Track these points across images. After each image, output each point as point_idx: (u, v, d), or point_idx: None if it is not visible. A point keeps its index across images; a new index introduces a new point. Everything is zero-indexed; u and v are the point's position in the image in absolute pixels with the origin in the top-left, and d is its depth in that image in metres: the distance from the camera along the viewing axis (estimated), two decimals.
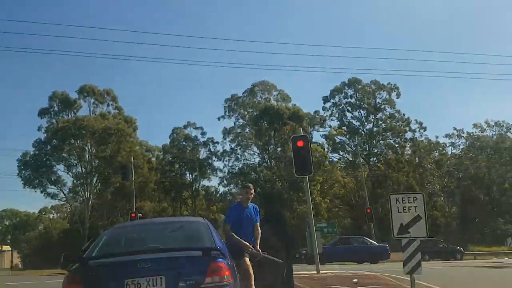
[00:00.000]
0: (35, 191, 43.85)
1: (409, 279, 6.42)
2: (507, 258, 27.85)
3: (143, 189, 44.63)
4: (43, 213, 57.40)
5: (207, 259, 4.48)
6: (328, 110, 52.28)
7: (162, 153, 51.79)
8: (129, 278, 4.28)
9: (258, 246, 6.23)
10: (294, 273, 8.33)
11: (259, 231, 6.47)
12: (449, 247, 30.57)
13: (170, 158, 50.22)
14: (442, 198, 51.31)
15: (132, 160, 36.98)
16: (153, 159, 50.75)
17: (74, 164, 43.96)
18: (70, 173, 44.26)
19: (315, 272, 13.41)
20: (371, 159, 51.55)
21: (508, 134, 51.69)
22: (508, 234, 39.80)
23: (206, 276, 4.38)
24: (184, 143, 50.81)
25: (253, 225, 6.47)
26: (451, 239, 38.37)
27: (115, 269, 4.45)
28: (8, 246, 61.72)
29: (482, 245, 40.14)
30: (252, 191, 6.53)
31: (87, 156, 43.87)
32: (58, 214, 57.42)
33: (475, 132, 51.67)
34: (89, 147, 43.88)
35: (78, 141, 43.15)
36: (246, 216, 6.42)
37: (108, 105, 47.21)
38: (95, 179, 44.11)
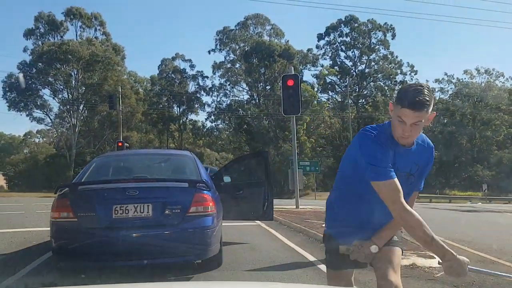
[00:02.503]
0: (21, 115, 43.63)
1: None
2: (480, 203, 29.09)
3: (130, 119, 44.58)
4: (29, 137, 57.26)
5: (192, 190, 4.66)
6: (321, 49, 51.67)
7: (150, 84, 51.18)
8: (117, 204, 4.43)
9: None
10: (275, 207, 8.73)
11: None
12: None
13: (158, 90, 49.75)
14: None
15: (120, 90, 36.60)
16: (141, 90, 50.21)
17: (60, 90, 43.38)
18: (56, 99, 43.83)
19: (295, 207, 14.01)
20: (359, 101, 51.85)
21: (497, 82, 52.04)
22: (484, 181, 41.26)
23: (191, 206, 4.57)
24: (172, 75, 50.14)
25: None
26: (429, 182, 39.80)
27: (104, 195, 4.60)
28: None
29: (458, 189, 41.66)
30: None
31: (74, 82, 43.17)
32: (44, 139, 57.38)
33: (465, 78, 51.97)
34: (75, 73, 43.07)
35: (64, 66, 42.22)
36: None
37: (95, 30, 45.84)
38: (82, 106, 43.73)
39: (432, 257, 5.78)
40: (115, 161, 6.14)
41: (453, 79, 51.94)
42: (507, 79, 52.81)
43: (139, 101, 45.95)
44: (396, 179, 2.04)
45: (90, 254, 4.38)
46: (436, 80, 52.76)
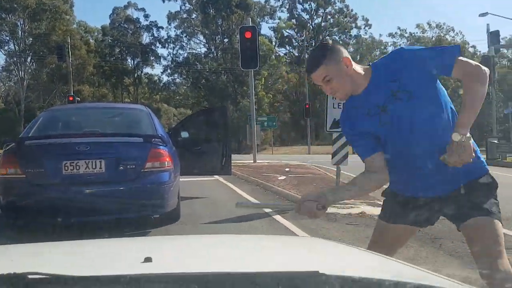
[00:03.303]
0: None
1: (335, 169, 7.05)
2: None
3: (81, 72, 42.66)
4: None
5: (148, 146, 4.55)
6: (279, 0, 50.71)
7: (101, 35, 48.79)
8: (67, 160, 4.29)
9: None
10: (233, 161, 8.82)
11: None
12: None
13: (110, 41, 47.60)
14: None
15: (69, 40, 34.69)
16: (92, 40, 47.84)
17: (6, 41, 40.65)
18: (2, 50, 41.13)
19: (253, 161, 14.21)
20: None
21: (447, 36, 53.38)
22: None
23: (146, 162, 4.48)
24: (125, 25, 47.95)
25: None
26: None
27: (52, 150, 4.44)
28: None
29: None
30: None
31: (20, 32, 40.49)
32: None
33: (417, 32, 53.00)
34: (21, 23, 40.32)
35: (10, 16, 39.37)
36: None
37: None
38: (29, 58, 41.32)
39: (380, 206, 6.11)
40: (65, 115, 5.90)
41: (406, 33, 52.86)
42: (456, 33, 54.29)
43: (90, 53, 43.89)
44: (371, 156, 1.96)
45: (40, 211, 4.27)
46: (390, 34, 53.66)
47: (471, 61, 1.88)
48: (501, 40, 22.24)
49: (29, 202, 4.29)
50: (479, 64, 1.86)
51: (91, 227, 4.50)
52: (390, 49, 53.57)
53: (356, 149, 2.05)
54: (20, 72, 40.78)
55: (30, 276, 0.74)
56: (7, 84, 45.05)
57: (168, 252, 1.26)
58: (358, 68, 1.97)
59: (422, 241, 4.47)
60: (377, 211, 5.93)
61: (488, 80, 1.83)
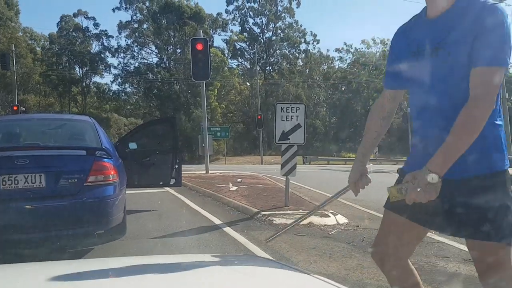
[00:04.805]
0: None
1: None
2: (371, 164, 31.45)
3: (27, 81, 40.93)
4: None
5: (91, 158, 4.38)
6: (230, 14, 51.22)
7: (48, 43, 47.06)
8: (5, 174, 4.08)
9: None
10: (185, 172, 8.73)
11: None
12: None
13: (58, 49, 45.99)
14: (325, 109, 55.20)
15: (14, 48, 33.21)
16: (38, 48, 46.05)
17: None
18: None
19: (205, 172, 14.12)
20: (267, 68, 52.82)
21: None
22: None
23: (89, 175, 4.30)
24: (74, 33, 46.56)
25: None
26: (327, 146, 42.38)
27: None
28: None
29: (353, 152, 44.78)
30: None
31: None
32: None
33: (362, 48, 54.98)
34: None
35: None
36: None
37: None
38: None
39: (327, 216, 6.24)
40: (4, 127, 5.60)
41: (352, 48, 54.71)
42: None
43: (36, 61, 42.21)
44: (386, 91, 1.91)
45: None
46: (336, 50, 55.26)
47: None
48: None
49: None
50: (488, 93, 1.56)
51: (32, 245, 4.30)
52: (337, 63, 55.26)
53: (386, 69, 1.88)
54: None
55: None
56: None
57: (100, 279, 1.19)
58: None
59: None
60: (323, 221, 6.07)
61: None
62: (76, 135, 5.32)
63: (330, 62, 55.11)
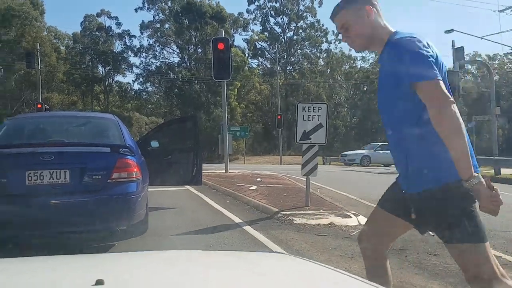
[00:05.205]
0: None
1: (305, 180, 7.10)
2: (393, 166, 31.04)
3: (51, 79, 41.73)
4: None
5: (115, 156, 4.44)
6: (252, 13, 51.22)
7: (72, 42, 47.91)
8: (30, 170, 4.15)
9: None
10: (204, 171, 8.76)
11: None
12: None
13: (81, 49, 46.79)
14: (346, 109, 54.73)
15: (38, 47, 33.90)
16: (62, 47, 46.90)
17: None
18: None
19: (224, 171, 14.16)
20: (287, 68, 52.59)
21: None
22: None
23: (113, 172, 4.36)
24: (97, 33, 47.28)
25: None
26: (348, 146, 42.03)
27: (15, 159, 4.28)
28: None
29: None
30: None
31: None
32: None
33: None
34: None
35: None
36: None
37: None
38: None
39: (348, 217, 6.19)
40: (29, 124, 5.72)
41: None
42: None
43: (60, 60, 43.00)
44: None
45: (2, 223, 4.10)
46: None
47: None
48: (465, 56, 23.11)
49: None
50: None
51: (54, 239, 4.38)
52: (359, 63, 54.69)
53: None
54: None
55: None
56: None
57: (123, 273, 1.18)
58: (381, 24, 1.95)
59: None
60: (345, 222, 6.01)
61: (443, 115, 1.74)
62: (100, 132, 5.38)
63: (352, 61, 54.53)
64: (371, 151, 27.10)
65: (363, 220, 6.15)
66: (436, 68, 1.77)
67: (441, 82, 1.75)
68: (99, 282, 0.92)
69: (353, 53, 53.99)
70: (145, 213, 5.05)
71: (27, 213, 4.13)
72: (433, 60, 1.78)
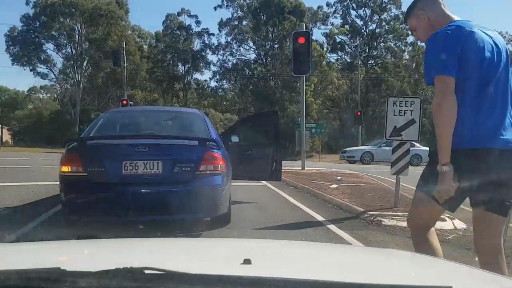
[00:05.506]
0: (24, 69, 43.19)
1: (391, 180, 6.70)
2: None
3: (134, 77, 44.06)
4: (33, 92, 56.96)
5: (203, 149, 4.58)
6: (332, 7, 50.08)
7: (154, 41, 50.21)
8: (127, 160, 4.38)
9: None
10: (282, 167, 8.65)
11: None
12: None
13: (163, 47, 48.87)
14: None
15: (124, 46, 35.93)
16: (145, 46, 49.33)
17: (64, 44, 42.66)
18: (60, 54, 43.20)
19: (301, 168, 13.96)
20: (369, 62, 50.77)
21: (509, 45, 50.70)
22: None
23: (201, 164, 4.50)
24: (177, 32, 49.09)
25: None
26: (435, 145, 39.65)
27: (113, 150, 4.55)
28: None
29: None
30: None
31: (77, 37, 42.41)
32: (48, 95, 57.09)
33: None
34: (78, 27, 42.24)
35: (68, 20, 41.34)
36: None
37: None
38: (85, 62, 43.15)
39: (444, 220, 5.72)
40: (123, 117, 6.05)
41: None
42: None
43: (143, 59, 45.25)
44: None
45: (99, 208, 4.36)
46: None
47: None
48: None
49: (89, 199, 4.40)
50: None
51: (144, 225, 4.49)
52: None
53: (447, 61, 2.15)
54: (77, 75, 42.65)
55: (146, 272, 0.78)
56: (63, 87, 47.20)
57: (265, 256, 1.29)
58: (443, 13, 2.30)
59: None
60: (440, 225, 5.56)
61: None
62: (187, 126, 5.56)
63: None
64: (375, 147, 25.19)
65: (459, 224, 5.66)
66: (443, 64, 2.08)
67: (445, 78, 2.07)
68: (247, 261, 1.00)
69: None
70: (228, 205, 5.08)
71: (123, 200, 4.32)
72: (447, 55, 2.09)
